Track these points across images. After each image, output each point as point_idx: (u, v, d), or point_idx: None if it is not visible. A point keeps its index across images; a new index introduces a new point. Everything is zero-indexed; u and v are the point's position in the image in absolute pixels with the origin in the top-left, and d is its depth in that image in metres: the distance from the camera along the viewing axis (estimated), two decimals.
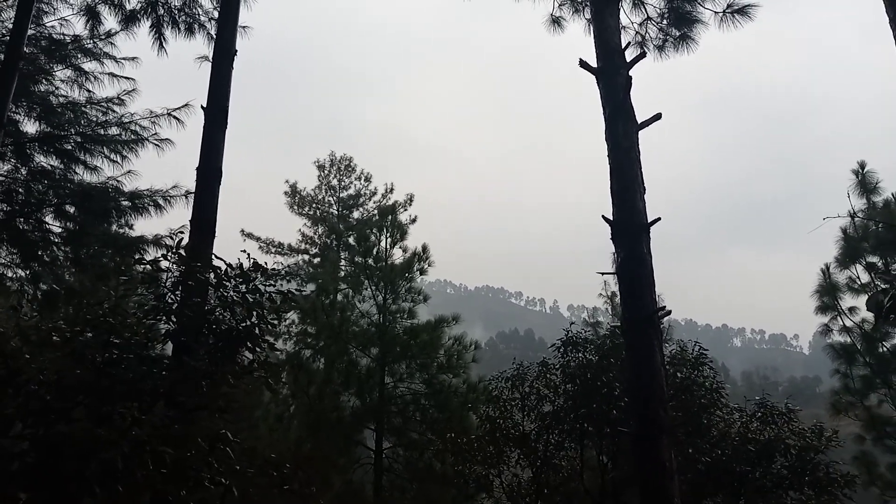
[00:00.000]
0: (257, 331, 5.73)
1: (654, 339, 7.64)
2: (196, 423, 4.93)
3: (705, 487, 11.32)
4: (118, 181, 11.05)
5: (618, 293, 20.69)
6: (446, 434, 14.96)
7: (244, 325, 5.73)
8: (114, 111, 11.39)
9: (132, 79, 11.44)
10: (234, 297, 5.75)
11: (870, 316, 16.45)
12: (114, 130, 11.15)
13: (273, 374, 5.81)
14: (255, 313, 5.80)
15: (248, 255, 5.83)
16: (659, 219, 8.13)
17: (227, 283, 5.78)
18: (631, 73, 8.74)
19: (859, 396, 16.04)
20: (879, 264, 16.61)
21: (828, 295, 17.04)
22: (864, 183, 17.27)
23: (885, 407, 15.75)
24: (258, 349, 5.78)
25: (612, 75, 8.75)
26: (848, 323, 16.65)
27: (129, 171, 11.09)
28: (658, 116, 8.78)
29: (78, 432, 4.32)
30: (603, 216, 8.33)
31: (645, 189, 8.40)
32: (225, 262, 5.75)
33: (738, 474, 10.97)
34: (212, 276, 5.83)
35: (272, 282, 5.99)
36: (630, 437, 7.62)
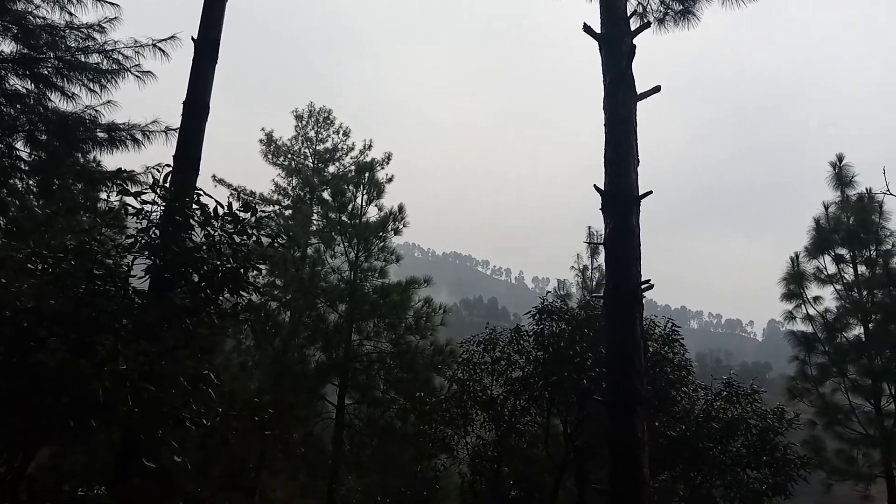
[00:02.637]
0: (243, 272, 5.55)
1: (637, 311, 7.64)
2: (178, 361, 4.77)
3: (665, 461, 11.55)
4: (96, 111, 10.60)
5: (590, 267, 20.90)
6: (411, 393, 15.00)
7: (230, 265, 5.54)
8: (94, 38, 10.85)
9: (117, 4, 10.90)
10: (222, 237, 5.54)
11: (832, 305, 16.91)
12: (94, 58, 10.64)
13: (258, 318, 5.64)
14: (241, 255, 5.62)
15: (239, 194, 5.63)
16: (651, 192, 8.07)
17: (215, 223, 5.56)
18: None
19: (815, 383, 16.48)
20: (847, 256, 16.98)
21: (795, 283, 17.38)
22: (841, 176, 17.56)
23: (838, 395, 16.22)
24: (243, 292, 5.61)
25: (615, 42, 8.59)
26: (811, 311, 17.04)
27: (108, 102, 10.64)
28: (657, 89, 8.67)
29: (58, 362, 4.14)
30: (595, 186, 8.25)
31: (639, 161, 8.33)
32: (215, 199, 5.54)
33: (700, 450, 11.20)
34: (198, 213, 5.61)
35: (260, 224, 5.78)
36: (605, 406, 7.66)
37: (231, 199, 5.62)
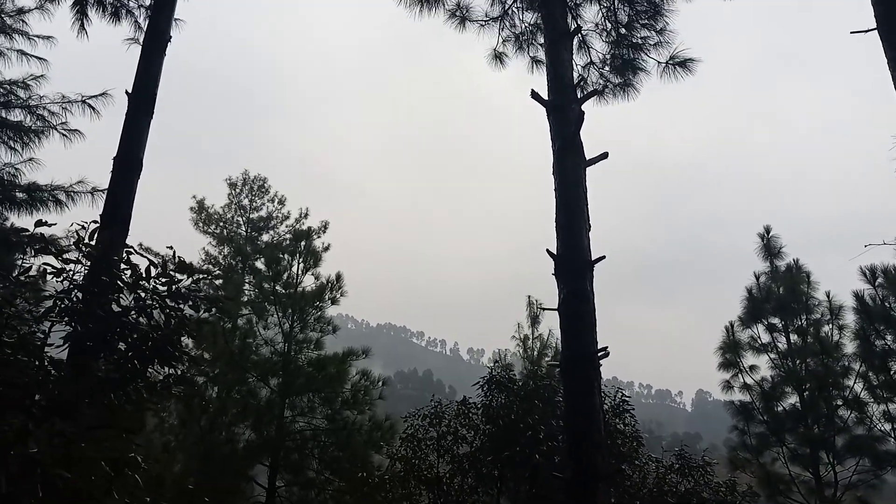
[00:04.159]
0: (176, 341, 4.98)
1: (594, 379, 7.37)
2: (99, 442, 4.14)
3: None
4: (16, 169, 9.87)
5: (531, 336, 20.68)
6: (351, 473, 14.21)
7: (161, 333, 4.96)
8: (17, 94, 10.23)
9: (45, 59, 10.35)
10: (154, 301, 4.98)
11: (768, 374, 17.16)
12: (17, 115, 9.98)
13: (191, 391, 5.05)
14: (174, 320, 5.05)
15: (174, 251, 5.10)
16: (604, 257, 7.96)
17: (146, 284, 5.01)
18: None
19: (755, 454, 16.52)
20: (780, 325, 17.37)
21: (731, 352, 17.60)
22: (769, 246, 18.15)
23: (778, 465, 16.27)
24: (176, 362, 5.02)
25: (563, 109, 8.63)
26: (748, 380, 17.24)
27: (30, 160, 9.94)
28: (605, 155, 8.72)
29: None
30: (547, 250, 8.10)
31: (590, 226, 8.24)
32: (147, 258, 5.00)
33: None
34: (128, 273, 5.05)
35: (198, 288, 5.25)
36: (564, 482, 7.25)
37: (163, 257, 5.08)
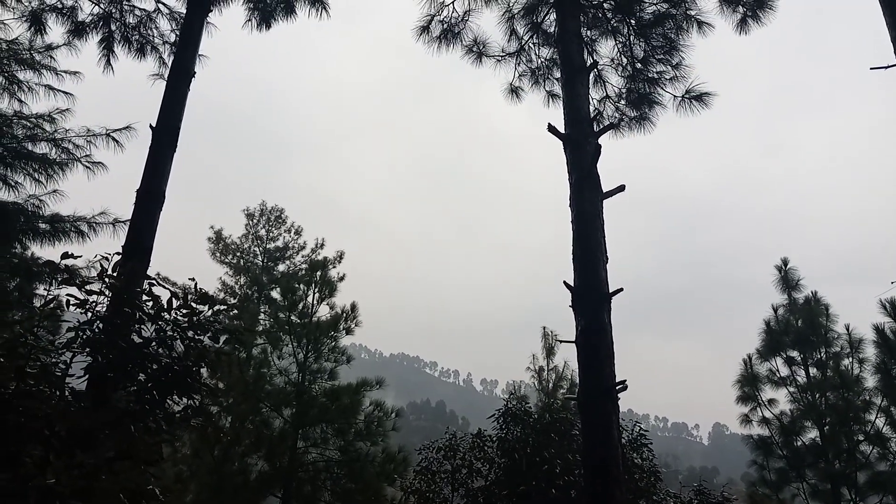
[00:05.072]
0: (196, 372, 5.01)
1: (613, 413, 7.30)
2: (117, 474, 4.14)
3: None
4: (40, 201, 10.06)
5: (546, 368, 20.52)
6: None
7: (181, 363, 4.99)
8: (43, 128, 10.46)
9: (71, 94, 10.60)
10: (175, 331, 5.02)
11: (787, 408, 16.91)
12: (43, 147, 10.21)
13: (209, 422, 5.06)
14: (193, 351, 5.08)
15: (195, 282, 5.16)
16: (621, 289, 7.93)
17: (167, 315, 5.06)
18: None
19: (774, 489, 16.23)
20: (798, 358, 17.14)
21: (749, 385, 17.38)
22: (787, 279, 17.99)
23: (797, 500, 15.98)
24: (194, 393, 5.04)
25: (580, 143, 8.68)
26: (767, 414, 16.99)
27: (54, 191, 10.13)
28: (622, 188, 8.72)
29: None
30: (564, 282, 8.09)
31: (608, 258, 8.23)
32: (169, 289, 5.06)
33: None
34: (149, 305, 5.10)
35: (217, 319, 5.28)
36: None
37: (184, 289, 5.14)
